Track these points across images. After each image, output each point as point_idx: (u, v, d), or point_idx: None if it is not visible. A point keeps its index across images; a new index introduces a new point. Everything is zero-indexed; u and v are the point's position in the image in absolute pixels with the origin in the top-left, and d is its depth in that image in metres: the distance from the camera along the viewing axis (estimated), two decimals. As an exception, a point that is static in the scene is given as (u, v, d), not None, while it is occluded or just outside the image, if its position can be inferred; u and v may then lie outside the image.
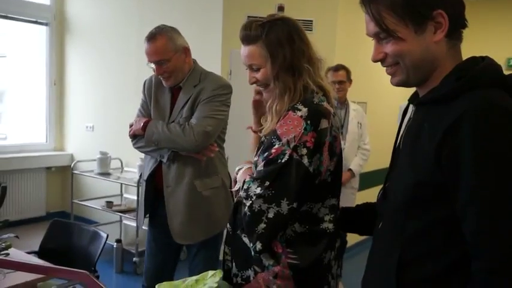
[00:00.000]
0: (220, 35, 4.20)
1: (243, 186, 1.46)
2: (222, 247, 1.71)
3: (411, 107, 1.18)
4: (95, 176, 4.64)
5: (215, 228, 2.42)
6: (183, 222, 2.35)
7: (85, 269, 2.41)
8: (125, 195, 4.80)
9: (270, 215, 1.38)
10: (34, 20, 5.46)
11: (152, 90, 2.46)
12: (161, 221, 2.38)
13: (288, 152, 1.37)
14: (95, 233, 2.56)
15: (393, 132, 4.54)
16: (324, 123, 1.41)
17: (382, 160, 5.21)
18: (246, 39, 1.51)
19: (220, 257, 1.76)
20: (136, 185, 4.00)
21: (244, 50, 1.53)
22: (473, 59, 1.06)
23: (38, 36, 5.57)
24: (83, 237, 2.59)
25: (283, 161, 1.37)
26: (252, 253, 1.45)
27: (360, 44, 4.90)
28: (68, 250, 2.58)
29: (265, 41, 1.46)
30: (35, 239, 4.55)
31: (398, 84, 1.11)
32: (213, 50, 4.26)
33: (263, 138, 1.55)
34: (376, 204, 1.25)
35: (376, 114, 4.95)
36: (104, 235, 2.51)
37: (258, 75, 1.51)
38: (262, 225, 1.38)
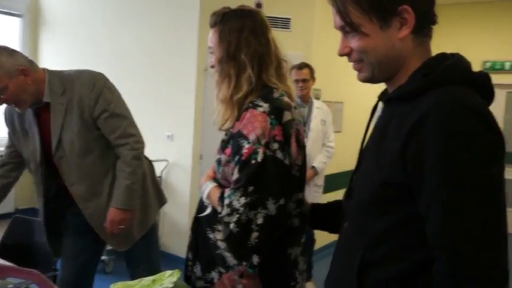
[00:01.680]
0: (196, 32, 4.14)
1: (222, 204, 1.38)
2: (185, 253, 1.66)
3: (380, 105, 1.13)
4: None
5: (149, 220, 2.35)
6: (117, 233, 2.19)
7: (46, 268, 2.36)
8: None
9: (259, 221, 1.33)
10: (8, 11, 5.33)
11: (15, 116, 2.21)
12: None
13: (260, 150, 1.33)
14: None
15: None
16: (287, 116, 1.40)
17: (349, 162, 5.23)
18: (210, 23, 1.53)
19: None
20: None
21: None
22: (442, 56, 1.02)
23: (11, 27, 5.43)
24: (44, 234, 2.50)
25: (258, 160, 1.33)
26: (250, 271, 1.37)
27: (338, 43, 4.87)
28: (29, 248, 2.48)
29: (219, 26, 1.48)
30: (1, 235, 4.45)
31: (364, 81, 1.08)
32: (189, 47, 4.20)
33: (224, 136, 1.52)
34: (342, 203, 1.21)
35: (352, 114, 4.95)
36: (67, 232, 2.42)
37: (212, 59, 1.52)
38: (255, 235, 1.33)
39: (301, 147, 1.47)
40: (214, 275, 1.47)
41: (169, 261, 3.54)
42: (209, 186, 1.49)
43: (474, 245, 0.86)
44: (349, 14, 1.00)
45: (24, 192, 5.47)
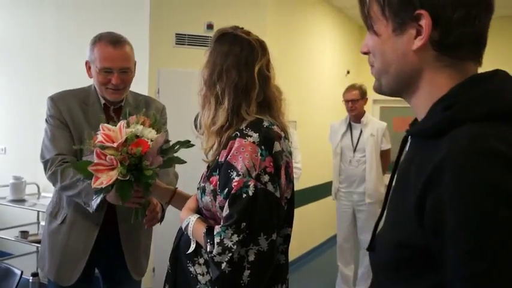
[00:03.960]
0: (147, 53, 4.03)
1: (212, 242, 1.29)
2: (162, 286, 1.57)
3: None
4: (7, 203, 4.23)
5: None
6: (140, 256, 2.23)
7: (-4, 312, 2.15)
8: (42, 223, 4.42)
9: (251, 258, 1.25)
10: None
11: (77, 106, 2.15)
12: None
13: (251, 183, 1.26)
14: (7, 270, 2.26)
15: (323, 149, 4.61)
16: (277, 146, 1.35)
17: (312, 177, 5.29)
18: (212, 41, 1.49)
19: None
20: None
21: None
22: (476, 79, 0.79)
23: None
24: (-7, 275, 2.29)
25: (249, 194, 1.26)
26: None
27: (290, 63, 4.95)
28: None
29: (213, 45, 1.44)
30: None
31: (374, 90, 0.92)
32: (139, 68, 4.04)
33: (209, 163, 1.46)
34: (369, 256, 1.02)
35: (306, 132, 4.99)
36: (18, 272, 2.23)
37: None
38: (247, 273, 1.25)
39: (290, 180, 1.41)
40: None
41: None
42: (192, 220, 1.40)
43: None
44: (369, 6, 0.86)
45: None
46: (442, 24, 0.78)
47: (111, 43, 2.07)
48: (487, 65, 0.85)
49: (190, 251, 1.41)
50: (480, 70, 0.84)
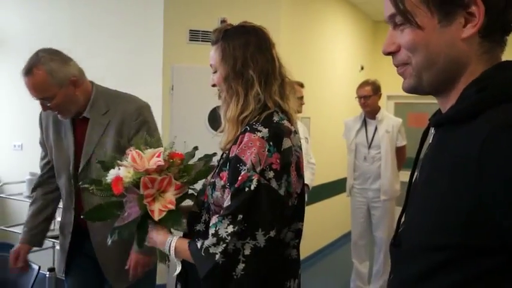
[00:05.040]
0: (161, 50, 4.05)
1: (198, 239, 1.30)
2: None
3: (432, 129, 0.90)
4: (23, 199, 4.27)
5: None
6: (118, 264, 2.08)
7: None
8: (58, 219, 4.45)
9: (247, 252, 1.24)
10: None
11: (50, 122, 2.13)
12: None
13: (255, 178, 1.26)
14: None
15: (337, 145, 4.59)
16: (287, 143, 1.33)
17: (326, 174, 5.27)
18: (211, 41, 1.48)
19: None
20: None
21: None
22: (507, 63, 0.80)
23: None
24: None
25: (251, 188, 1.25)
26: None
27: (303, 58, 4.93)
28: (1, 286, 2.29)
29: (221, 43, 1.43)
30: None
31: (408, 90, 0.87)
32: (153, 64, 4.09)
33: (222, 156, 1.45)
34: (389, 249, 0.99)
35: (319, 128, 4.97)
36: (36, 267, 2.26)
37: (215, 77, 1.46)
38: (241, 266, 1.24)
39: (301, 176, 1.40)
40: None
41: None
42: (173, 242, 1.37)
43: None
44: (404, 0, 0.81)
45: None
46: (492, 10, 0.76)
47: (23, 71, 1.95)
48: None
49: (176, 273, 1.41)
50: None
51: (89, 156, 2.02)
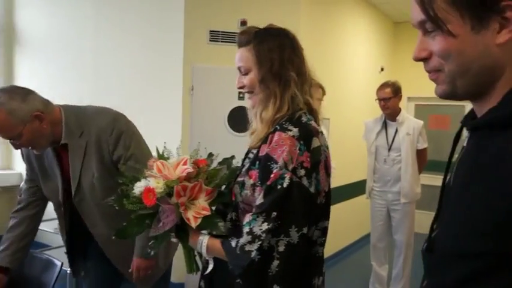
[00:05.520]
0: (181, 50, 4.07)
1: (232, 239, 1.33)
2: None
3: (465, 131, 0.88)
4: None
5: (164, 267, 2.26)
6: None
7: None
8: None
9: (281, 249, 1.27)
10: (-20, 31, 5.15)
11: (32, 156, 2.12)
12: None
13: (287, 176, 1.29)
14: (48, 261, 2.34)
15: (356, 147, 4.55)
16: (316, 142, 1.37)
17: (346, 176, 5.23)
18: (239, 43, 1.50)
19: None
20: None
21: (237, 53, 1.53)
22: None
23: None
24: (35, 265, 2.36)
25: (284, 185, 1.28)
26: None
27: (323, 59, 4.91)
28: (18, 280, 2.33)
29: (255, 45, 1.45)
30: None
31: (442, 96, 0.85)
32: (173, 64, 4.12)
33: (248, 156, 1.49)
34: (422, 254, 0.96)
35: (339, 130, 4.94)
36: (58, 263, 2.30)
37: (246, 79, 1.48)
38: (276, 263, 1.27)
39: (329, 174, 1.43)
40: None
41: None
42: (205, 241, 1.40)
43: None
44: (434, 5, 0.78)
45: (2, 217, 5.24)
46: None
47: None
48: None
49: (208, 271, 1.44)
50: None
51: (77, 181, 2.02)
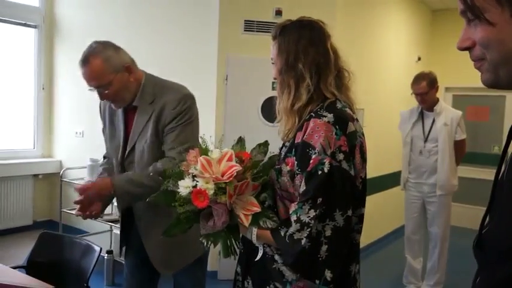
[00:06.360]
0: (216, 39, 4.10)
1: (282, 227, 1.35)
2: (235, 267, 1.60)
3: None
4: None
5: (196, 253, 2.23)
6: (163, 251, 2.17)
7: (77, 286, 2.31)
8: (115, 203, 4.64)
9: (328, 233, 1.30)
10: (23, 22, 5.31)
11: (107, 112, 2.25)
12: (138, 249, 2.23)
13: (326, 161, 1.30)
14: (88, 247, 2.42)
15: (391, 138, 4.49)
16: (351, 127, 1.38)
17: (380, 167, 5.17)
18: (271, 36, 1.55)
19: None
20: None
21: None
22: None
23: (26, 39, 5.41)
24: (75, 250, 2.44)
25: (325, 171, 1.30)
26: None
27: (358, 49, 4.84)
28: (58, 265, 2.43)
29: (278, 38, 1.50)
30: (22, 250, 4.42)
31: (487, 84, 0.84)
32: (208, 54, 4.15)
33: (285, 144, 1.50)
34: (473, 251, 0.94)
35: (373, 120, 4.88)
36: (97, 248, 2.37)
37: (274, 70, 1.53)
38: (324, 248, 1.30)
39: (364, 160, 1.43)
40: None
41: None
42: (255, 230, 1.41)
43: None
44: None
45: (43, 205, 5.44)
46: None
47: (80, 62, 2.05)
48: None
49: (258, 258, 1.45)
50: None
51: (133, 143, 2.11)
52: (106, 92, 2.02)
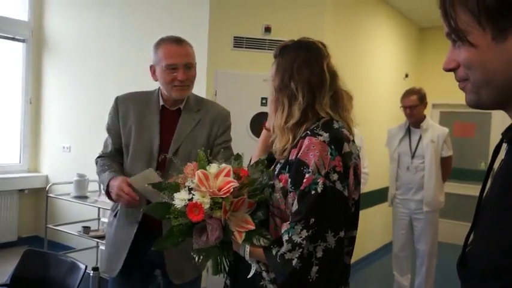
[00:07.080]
0: (205, 55, 4.11)
1: (274, 246, 1.34)
2: (223, 283, 1.60)
3: (505, 145, 0.86)
4: (71, 199, 4.42)
5: (205, 265, 2.23)
6: (179, 259, 2.16)
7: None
8: (102, 219, 4.59)
9: (319, 254, 1.29)
10: (11, 36, 5.29)
11: (131, 112, 2.24)
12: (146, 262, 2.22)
13: (320, 181, 1.30)
14: (73, 264, 2.38)
15: (379, 154, 4.51)
16: (346, 147, 1.38)
17: (368, 183, 5.18)
18: (273, 55, 1.58)
19: None
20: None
21: None
22: None
23: (14, 52, 5.38)
24: (60, 268, 2.41)
25: (318, 191, 1.29)
26: None
27: (347, 66, 4.89)
28: (43, 282, 2.38)
29: (278, 58, 1.53)
30: (5, 267, 4.33)
31: (470, 105, 0.85)
32: (197, 69, 4.13)
33: (280, 161, 1.49)
34: (457, 269, 0.93)
35: (365, 136, 4.90)
36: (83, 266, 2.34)
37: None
38: (315, 269, 1.28)
39: (358, 182, 1.43)
40: None
41: None
42: (247, 247, 1.41)
43: None
44: (456, 17, 0.79)
45: (28, 221, 5.36)
46: None
47: (175, 41, 2.23)
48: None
49: (250, 275, 1.44)
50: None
51: (178, 145, 2.18)
52: (191, 72, 2.20)
